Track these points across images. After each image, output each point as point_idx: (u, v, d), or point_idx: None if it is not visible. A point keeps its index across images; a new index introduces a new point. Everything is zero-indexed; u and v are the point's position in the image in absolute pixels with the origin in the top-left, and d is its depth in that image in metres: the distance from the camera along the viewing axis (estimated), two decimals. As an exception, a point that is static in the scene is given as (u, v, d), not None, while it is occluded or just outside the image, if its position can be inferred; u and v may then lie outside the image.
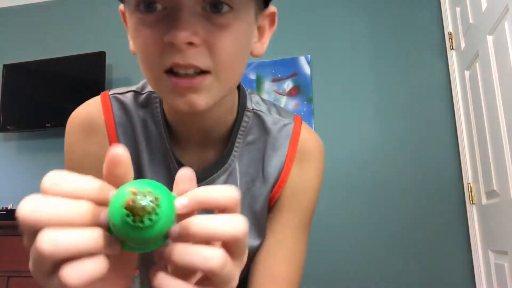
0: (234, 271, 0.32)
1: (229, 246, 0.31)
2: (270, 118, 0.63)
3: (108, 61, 2.52)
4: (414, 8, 2.23)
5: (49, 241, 0.26)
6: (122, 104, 0.60)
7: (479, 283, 1.83)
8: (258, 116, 0.63)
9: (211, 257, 0.29)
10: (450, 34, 2.10)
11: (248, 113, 0.62)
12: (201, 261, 0.29)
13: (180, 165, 0.58)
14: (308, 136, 0.64)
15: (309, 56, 2.29)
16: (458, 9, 2.00)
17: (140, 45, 0.47)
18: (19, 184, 2.59)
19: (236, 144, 0.60)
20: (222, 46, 0.45)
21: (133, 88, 0.62)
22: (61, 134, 2.87)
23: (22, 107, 2.59)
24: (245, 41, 0.49)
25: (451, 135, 2.06)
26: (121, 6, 0.54)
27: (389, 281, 1.98)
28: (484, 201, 1.76)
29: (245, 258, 0.33)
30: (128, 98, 0.61)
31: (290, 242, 0.61)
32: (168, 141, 0.58)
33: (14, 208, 2.18)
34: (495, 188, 1.59)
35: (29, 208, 0.27)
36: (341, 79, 2.24)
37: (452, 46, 2.08)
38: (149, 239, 0.29)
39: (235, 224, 0.31)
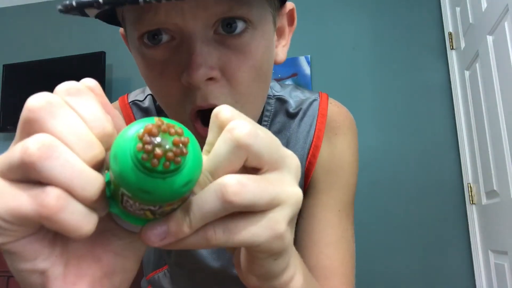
0: (290, 236, 0.26)
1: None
2: (294, 101, 0.59)
3: (108, 61, 2.52)
4: (414, 8, 2.23)
5: (43, 147, 0.20)
6: (144, 111, 0.58)
7: (479, 283, 1.83)
8: (281, 101, 0.59)
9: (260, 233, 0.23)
10: (450, 34, 2.10)
11: (270, 100, 0.58)
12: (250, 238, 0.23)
13: None
14: (336, 110, 0.59)
15: (309, 56, 2.29)
16: (458, 9, 2.00)
17: (155, 87, 0.43)
18: (19, 184, 2.59)
19: None
20: (242, 75, 0.40)
21: (150, 91, 0.59)
22: (61, 134, 2.87)
23: (22, 107, 2.57)
24: (267, 58, 0.44)
25: (451, 135, 2.06)
26: (121, 30, 0.49)
27: (389, 281, 1.98)
28: (484, 201, 1.76)
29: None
30: (147, 103, 0.59)
31: (333, 227, 0.54)
32: None
33: (14, 208, 2.18)
34: (495, 188, 1.59)
35: (41, 103, 0.22)
36: (341, 79, 2.24)
37: (452, 46, 2.08)
38: (154, 195, 0.20)
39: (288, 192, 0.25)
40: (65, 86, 0.23)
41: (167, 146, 0.19)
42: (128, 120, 0.58)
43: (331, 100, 0.61)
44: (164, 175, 0.20)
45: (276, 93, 0.60)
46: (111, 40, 2.61)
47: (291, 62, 2.29)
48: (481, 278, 1.81)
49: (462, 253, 1.94)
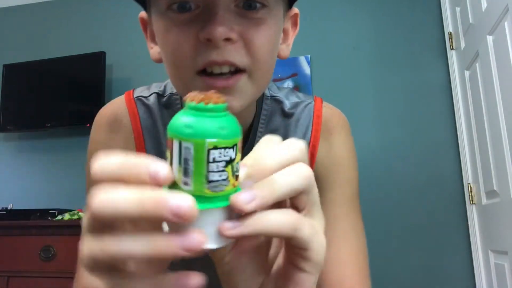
0: (319, 233, 0.28)
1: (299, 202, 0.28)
2: (290, 102, 0.62)
3: (108, 61, 2.52)
4: (414, 8, 2.23)
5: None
6: (147, 107, 0.61)
7: (479, 283, 1.83)
8: (277, 102, 0.62)
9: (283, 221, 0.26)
10: (450, 34, 2.10)
11: (267, 101, 0.61)
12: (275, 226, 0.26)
13: None
14: (330, 112, 0.63)
15: (309, 56, 2.29)
16: (458, 9, 2.00)
17: (171, 44, 0.46)
18: (19, 184, 2.59)
19: (258, 134, 0.59)
20: (258, 42, 0.45)
21: (155, 89, 0.62)
22: (61, 134, 2.85)
23: (22, 107, 2.59)
24: (277, 37, 0.49)
25: (451, 135, 2.06)
26: (142, 13, 0.53)
27: (389, 281, 1.98)
28: (484, 201, 1.76)
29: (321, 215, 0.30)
30: (151, 101, 0.61)
31: (342, 222, 0.57)
32: None
33: (14, 208, 2.18)
34: (495, 188, 1.59)
35: (102, 203, 0.23)
36: (341, 79, 2.24)
37: (452, 46, 2.08)
38: (196, 129, 0.23)
39: (300, 176, 0.27)
40: (98, 166, 0.26)
41: (209, 96, 0.24)
42: (132, 114, 0.60)
43: (325, 103, 0.64)
44: (204, 112, 0.24)
45: (273, 94, 0.62)
46: (111, 40, 2.61)
47: (291, 62, 2.29)
48: (481, 278, 1.81)
49: (462, 253, 1.94)
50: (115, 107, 0.61)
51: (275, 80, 2.30)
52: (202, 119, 0.24)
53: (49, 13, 2.81)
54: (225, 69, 0.44)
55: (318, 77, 2.28)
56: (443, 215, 1.99)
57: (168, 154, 0.25)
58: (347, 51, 2.27)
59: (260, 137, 0.59)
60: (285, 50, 0.54)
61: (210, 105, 0.24)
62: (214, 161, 0.24)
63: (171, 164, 0.25)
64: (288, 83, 2.29)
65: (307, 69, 2.28)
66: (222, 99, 0.25)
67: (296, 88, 2.27)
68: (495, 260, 1.66)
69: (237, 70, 0.45)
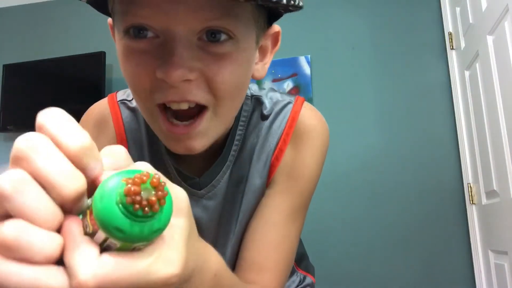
0: None
1: None
2: (269, 102, 0.59)
3: (108, 61, 2.52)
4: (414, 8, 2.23)
5: (14, 183, 0.22)
6: (132, 111, 0.60)
7: (479, 283, 1.83)
8: (257, 101, 0.59)
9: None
10: (450, 34, 2.10)
11: (247, 101, 0.59)
12: None
13: (180, 174, 0.57)
14: (308, 115, 0.58)
15: (309, 56, 2.29)
16: (458, 9, 2.00)
17: (130, 75, 0.44)
18: (19, 184, 2.59)
19: (237, 137, 0.57)
20: (221, 78, 0.42)
21: None
22: (61, 134, 2.85)
23: (22, 107, 2.58)
24: (245, 70, 0.46)
25: (451, 135, 2.06)
26: (110, 20, 0.50)
27: (389, 281, 1.98)
28: (484, 201, 1.76)
29: None
30: (134, 104, 0.60)
31: (277, 229, 0.56)
32: (167, 152, 0.57)
33: (14, 208, 2.18)
34: (495, 188, 1.59)
35: (26, 144, 0.24)
36: (341, 79, 2.24)
37: (452, 46, 2.08)
38: (126, 235, 0.22)
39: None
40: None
41: (150, 196, 0.22)
42: (116, 118, 0.59)
43: (306, 104, 0.60)
44: (141, 219, 0.22)
45: (254, 93, 0.60)
46: (111, 40, 2.57)
47: (291, 62, 2.29)
48: (481, 278, 1.81)
49: (462, 253, 1.94)
50: (102, 108, 0.61)
51: (275, 80, 2.30)
52: (136, 224, 0.22)
53: (49, 13, 2.80)
54: (184, 106, 0.42)
55: (318, 77, 2.28)
56: (443, 215, 1.99)
57: (88, 223, 0.23)
58: (347, 51, 2.27)
59: (239, 141, 0.57)
60: (261, 70, 0.52)
61: (150, 213, 0.22)
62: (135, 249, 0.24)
63: (92, 236, 0.23)
64: (288, 83, 2.29)
65: (307, 69, 2.28)
66: (163, 194, 0.22)
67: (296, 88, 2.27)
68: (495, 260, 1.66)
69: (200, 107, 0.44)
